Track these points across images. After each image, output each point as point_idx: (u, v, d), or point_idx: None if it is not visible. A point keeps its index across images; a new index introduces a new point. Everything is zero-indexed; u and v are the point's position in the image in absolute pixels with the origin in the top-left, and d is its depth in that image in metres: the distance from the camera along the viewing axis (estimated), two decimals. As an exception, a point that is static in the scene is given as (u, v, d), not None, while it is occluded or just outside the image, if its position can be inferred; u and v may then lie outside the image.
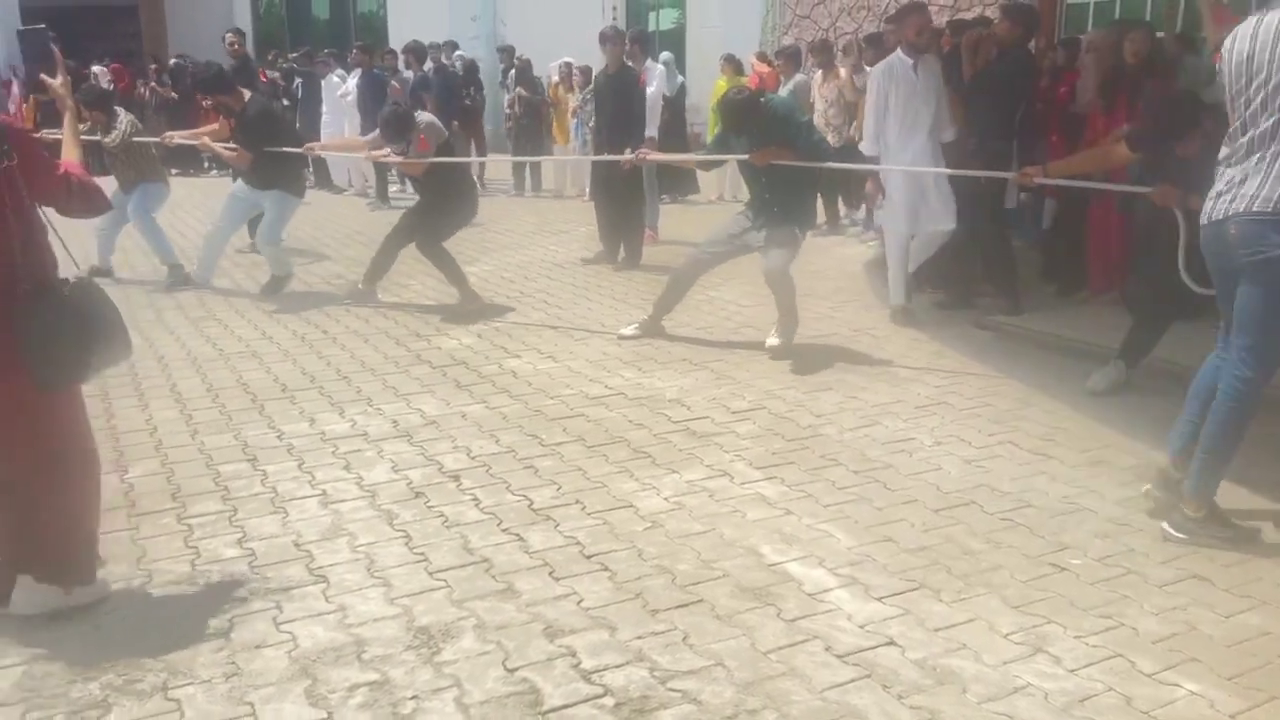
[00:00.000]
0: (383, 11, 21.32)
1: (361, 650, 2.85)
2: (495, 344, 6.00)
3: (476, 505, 3.80)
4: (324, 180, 13.02)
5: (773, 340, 5.75)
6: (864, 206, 9.56)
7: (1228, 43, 3.35)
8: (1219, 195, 3.35)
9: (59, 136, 3.30)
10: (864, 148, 6.42)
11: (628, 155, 6.80)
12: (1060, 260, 7.14)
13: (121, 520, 3.66)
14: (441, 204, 6.80)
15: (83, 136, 4.20)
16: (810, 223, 6.04)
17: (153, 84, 16.03)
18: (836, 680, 2.70)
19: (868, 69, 8.41)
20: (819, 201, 8.24)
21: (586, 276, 7.98)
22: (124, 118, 7.59)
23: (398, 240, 6.94)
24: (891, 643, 2.87)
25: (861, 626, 2.96)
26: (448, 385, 5.24)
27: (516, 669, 2.75)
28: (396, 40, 15.93)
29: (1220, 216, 3.32)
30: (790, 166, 5.56)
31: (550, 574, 3.28)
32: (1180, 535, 3.46)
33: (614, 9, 17.23)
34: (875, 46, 8.69)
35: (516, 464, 4.20)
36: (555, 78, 12.63)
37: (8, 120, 2.87)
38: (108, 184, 4.99)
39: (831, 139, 8.73)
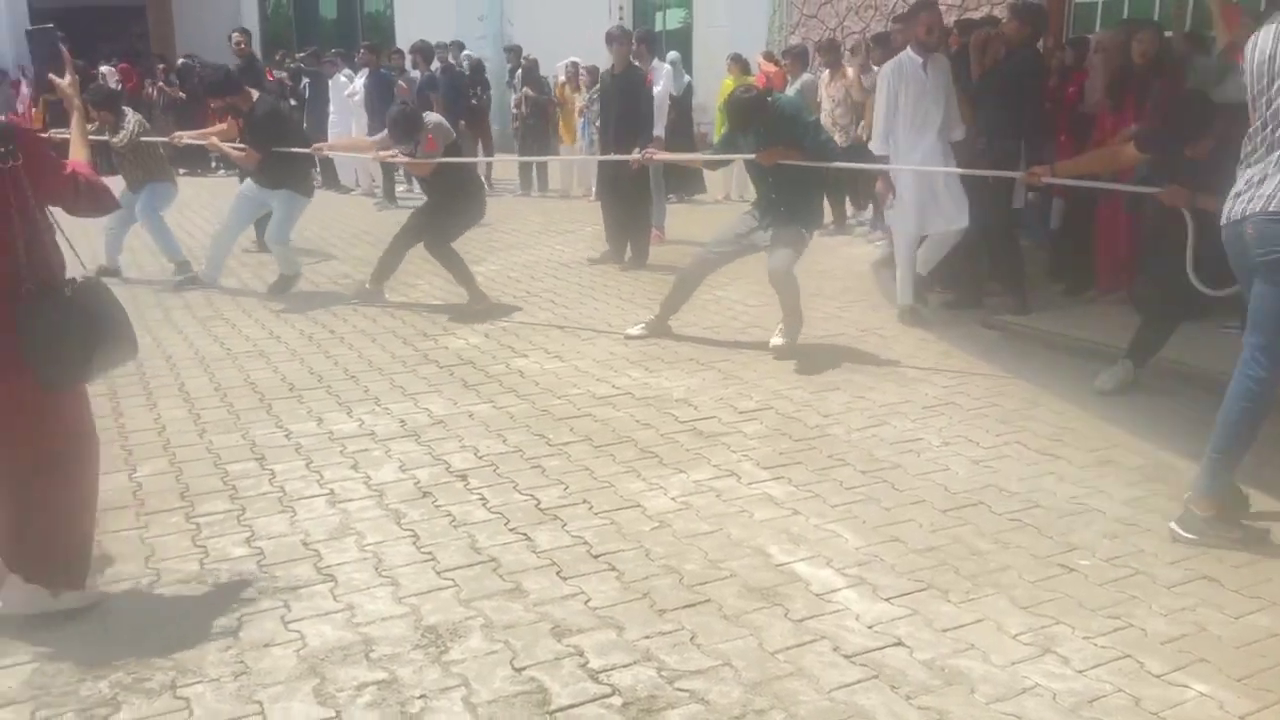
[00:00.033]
0: (390, 11, 21.36)
1: (369, 649, 2.85)
2: (502, 344, 6.01)
3: (484, 505, 3.80)
4: (331, 180, 13.04)
5: (777, 340, 5.75)
6: (871, 206, 9.56)
7: (1250, 43, 3.34)
8: (1237, 195, 3.34)
9: (68, 136, 3.29)
10: (873, 147, 6.39)
11: (635, 155, 6.79)
12: (1068, 259, 7.12)
13: (130, 519, 3.68)
14: (449, 204, 6.81)
15: (91, 136, 4.20)
16: (817, 223, 6.03)
17: (160, 84, 16.08)
18: (844, 680, 2.70)
19: (875, 68, 8.42)
20: (826, 201, 8.22)
21: (593, 276, 7.98)
22: (132, 118, 7.60)
23: (405, 240, 6.95)
24: (899, 643, 2.87)
25: (869, 627, 2.96)
26: (455, 385, 5.24)
27: (524, 668, 2.76)
28: (403, 40, 15.95)
29: (1238, 216, 3.31)
30: (797, 166, 5.56)
31: (558, 573, 3.28)
32: (1190, 535, 3.45)
33: (620, 9, 17.22)
34: (882, 46, 8.67)
35: (524, 463, 4.20)
36: (561, 77, 12.63)
37: (14, 120, 2.87)
38: (115, 184, 5.00)
39: (838, 139, 8.71)
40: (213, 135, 7.65)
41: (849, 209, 10.11)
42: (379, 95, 11.71)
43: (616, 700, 2.62)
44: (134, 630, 2.97)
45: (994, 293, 6.71)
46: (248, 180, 7.47)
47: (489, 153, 12.61)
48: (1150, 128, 5.15)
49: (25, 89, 16.52)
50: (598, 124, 10.00)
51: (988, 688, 2.67)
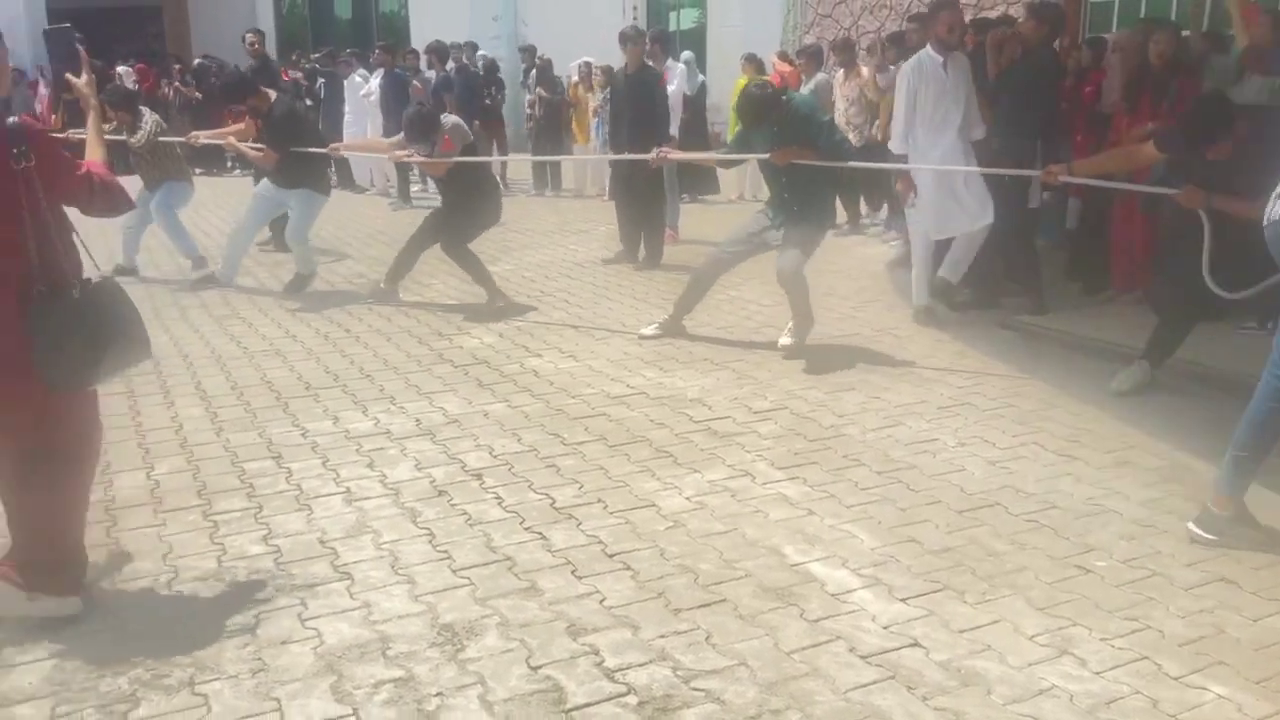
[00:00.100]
0: (404, 11, 21.40)
1: (386, 647, 2.86)
2: (517, 343, 6.02)
3: (499, 504, 3.81)
4: (346, 180, 13.08)
5: (785, 340, 5.74)
6: (886, 207, 9.54)
7: None
8: (1279, 196, 3.33)
9: (85, 137, 3.30)
10: (893, 146, 6.32)
11: (651, 154, 6.78)
12: (1084, 259, 7.09)
13: (148, 516, 3.70)
14: (465, 204, 6.82)
15: (109, 136, 4.20)
16: (829, 223, 6.00)
17: (176, 84, 16.16)
18: (860, 681, 2.69)
19: (891, 68, 8.39)
20: (839, 202, 8.20)
21: (607, 276, 7.99)
22: (149, 118, 7.65)
23: (421, 241, 6.97)
24: (916, 644, 2.87)
25: (885, 627, 2.95)
26: (470, 384, 5.25)
27: (540, 667, 2.76)
28: (418, 40, 16.00)
29: (1278, 217, 3.31)
30: (811, 166, 5.54)
31: (573, 573, 3.28)
32: (1209, 536, 3.43)
33: (634, 8, 17.23)
34: (897, 45, 8.65)
35: (538, 463, 4.21)
36: (574, 77, 12.65)
37: (27, 121, 2.86)
38: (132, 184, 5.03)
39: (853, 138, 8.69)
40: (230, 135, 7.69)
41: (863, 209, 10.09)
42: (394, 95, 11.74)
43: (632, 699, 2.62)
44: (152, 627, 2.98)
45: (1012, 293, 6.67)
46: (264, 180, 7.51)
47: (503, 153, 12.63)
48: (1170, 127, 5.12)
49: (43, 89, 16.62)
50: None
51: (1004, 689, 2.66)
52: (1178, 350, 5.00)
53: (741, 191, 11.78)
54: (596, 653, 2.82)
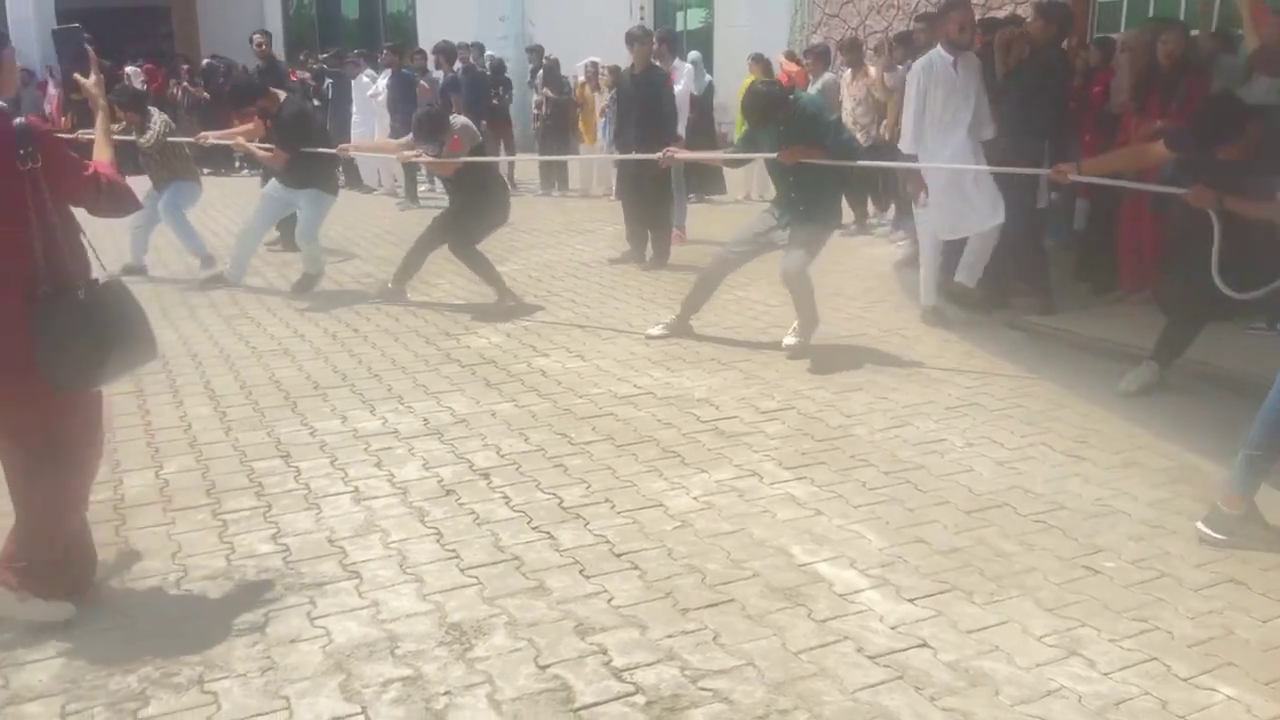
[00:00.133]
0: (412, 12, 21.42)
1: (395, 646, 2.87)
2: (524, 343, 6.03)
3: (507, 503, 3.82)
4: (354, 180, 13.10)
5: (790, 339, 5.74)
6: (893, 207, 9.53)
7: None
8: None
9: (94, 137, 3.30)
10: (903, 146, 6.29)
11: (659, 155, 6.78)
12: (1093, 259, 7.07)
13: (157, 515, 3.71)
14: (473, 205, 6.83)
15: (118, 137, 4.20)
16: (835, 223, 6.00)
17: (185, 84, 16.20)
18: (868, 681, 2.69)
19: (899, 67, 8.38)
20: (846, 202, 8.19)
21: (614, 276, 7.99)
22: (158, 118, 7.68)
23: (430, 241, 6.99)
24: (924, 644, 2.86)
25: (893, 628, 2.95)
26: (477, 384, 5.26)
27: (548, 666, 2.77)
28: (426, 40, 16.02)
29: None
30: (818, 166, 5.53)
31: (580, 572, 3.29)
32: (1218, 535, 3.43)
33: (641, 8, 17.23)
34: (905, 45, 8.64)
35: (546, 462, 4.22)
36: (581, 77, 12.65)
37: (34, 121, 2.85)
38: (140, 184, 5.05)
39: (860, 138, 8.68)
40: (239, 135, 7.72)
41: (871, 209, 10.08)
42: (402, 96, 11.76)
43: (640, 699, 2.62)
44: (161, 625, 2.99)
45: (1020, 293, 6.65)
46: (272, 180, 7.53)
47: (511, 153, 12.64)
48: (1179, 127, 5.10)
49: (52, 89, 16.67)
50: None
51: (1013, 689, 2.66)
52: (1186, 351, 4.98)
53: (748, 191, 11.78)
54: (604, 652, 2.83)
